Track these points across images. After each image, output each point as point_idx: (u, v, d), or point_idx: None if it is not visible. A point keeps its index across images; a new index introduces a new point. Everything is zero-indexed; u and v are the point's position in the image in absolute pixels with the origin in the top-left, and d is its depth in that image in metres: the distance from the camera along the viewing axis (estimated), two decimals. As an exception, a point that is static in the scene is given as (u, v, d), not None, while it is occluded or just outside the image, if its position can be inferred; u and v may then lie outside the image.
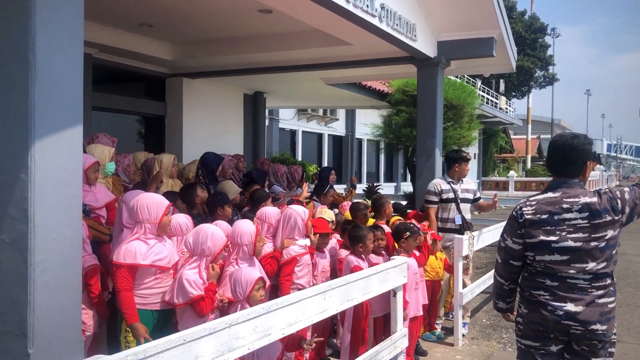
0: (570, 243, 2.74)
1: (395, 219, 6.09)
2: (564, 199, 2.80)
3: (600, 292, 2.75)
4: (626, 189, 2.81)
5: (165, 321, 3.61)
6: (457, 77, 16.75)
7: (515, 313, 3.07)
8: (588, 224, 2.74)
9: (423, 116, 7.94)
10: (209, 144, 8.92)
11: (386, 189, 21.93)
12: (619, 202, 2.76)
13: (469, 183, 6.54)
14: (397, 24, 6.58)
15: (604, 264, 2.74)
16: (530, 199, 2.96)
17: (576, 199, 2.78)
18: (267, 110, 13.55)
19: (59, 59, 2.69)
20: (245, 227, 3.99)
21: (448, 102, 11.79)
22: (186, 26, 7.47)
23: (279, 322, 2.94)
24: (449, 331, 6.10)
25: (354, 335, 4.53)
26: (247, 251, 3.88)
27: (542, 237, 2.79)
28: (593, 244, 2.72)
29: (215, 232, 3.67)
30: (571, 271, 2.76)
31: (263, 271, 4.19)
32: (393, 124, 12.85)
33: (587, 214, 2.74)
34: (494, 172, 35.83)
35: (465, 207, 6.41)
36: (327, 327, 5.04)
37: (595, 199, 2.76)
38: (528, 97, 41.77)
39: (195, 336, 2.40)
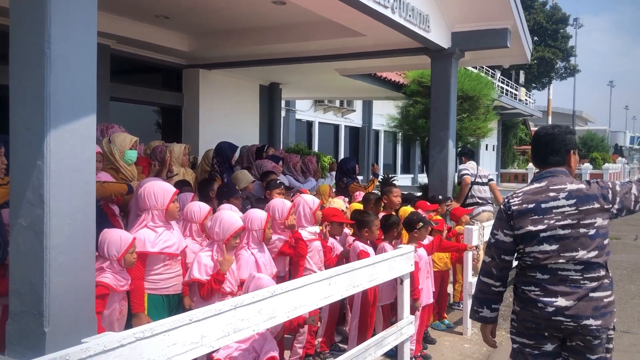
0: (559, 231, 2.70)
1: (407, 209, 6.14)
2: (550, 187, 2.78)
3: (594, 284, 2.68)
4: (617, 182, 2.81)
5: (175, 306, 3.73)
6: (475, 68, 16.64)
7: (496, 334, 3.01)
8: (576, 210, 2.70)
9: (436, 107, 7.95)
10: (225, 134, 8.99)
11: (403, 180, 21.94)
12: (609, 191, 2.74)
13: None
14: (410, 15, 6.60)
15: (595, 253, 2.68)
16: (517, 191, 2.94)
17: (562, 186, 2.76)
18: (283, 102, 13.62)
19: (73, 51, 2.78)
20: (257, 213, 4.13)
21: (464, 93, 11.74)
22: (202, 18, 7.56)
23: (283, 306, 3.02)
24: (459, 320, 6.17)
25: (362, 322, 4.61)
26: (257, 236, 4.00)
27: (530, 227, 2.76)
28: (582, 230, 2.68)
29: (225, 218, 3.76)
30: (561, 261, 2.69)
31: (271, 258, 4.28)
32: (410, 116, 12.86)
33: (574, 200, 2.71)
34: (514, 164, 35.53)
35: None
36: (337, 314, 5.13)
37: (582, 186, 2.75)
38: (549, 89, 41.27)
39: (201, 316, 2.49)
